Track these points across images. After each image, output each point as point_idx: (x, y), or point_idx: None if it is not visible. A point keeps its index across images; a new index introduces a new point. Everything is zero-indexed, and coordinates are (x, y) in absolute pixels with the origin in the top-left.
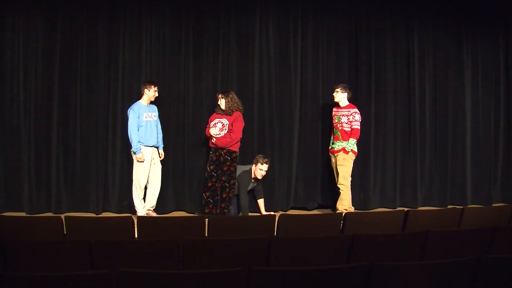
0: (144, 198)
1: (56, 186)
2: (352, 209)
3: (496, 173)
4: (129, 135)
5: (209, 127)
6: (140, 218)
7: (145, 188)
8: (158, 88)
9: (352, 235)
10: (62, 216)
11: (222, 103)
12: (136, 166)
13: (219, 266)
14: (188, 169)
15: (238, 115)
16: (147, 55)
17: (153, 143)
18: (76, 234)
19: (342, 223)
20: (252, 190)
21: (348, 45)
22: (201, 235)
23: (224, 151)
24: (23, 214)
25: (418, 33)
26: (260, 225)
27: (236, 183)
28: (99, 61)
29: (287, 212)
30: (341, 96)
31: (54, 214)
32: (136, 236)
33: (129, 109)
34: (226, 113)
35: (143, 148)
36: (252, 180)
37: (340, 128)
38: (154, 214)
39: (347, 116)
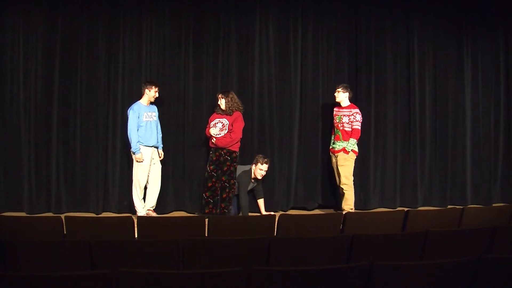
0: (144, 198)
1: (56, 186)
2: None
3: (496, 173)
4: (128, 135)
5: (209, 127)
6: (140, 218)
7: (145, 188)
8: (158, 89)
9: (352, 235)
10: (62, 216)
11: (222, 103)
12: (135, 166)
13: (219, 266)
14: (188, 169)
15: (238, 115)
16: (147, 55)
17: (153, 143)
18: (76, 234)
19: (342, 223)
20: (252, 190)
21: (348, 45)
22: (201, 235)
23: (224, 151)
24: (23, 214)
25: (418, 33)
26: (260, 225)
27: (236, 183)
28: (99, 61)
29: (287, 212)
30: (342, 96)
31: (54, 214)
32: (136, 236)
33: (129, 109)
34: (226, 113)
35: (143, 148)
36: (252, 180)
37: (341, 128)
38: (154, 214)
39: (348, 116)
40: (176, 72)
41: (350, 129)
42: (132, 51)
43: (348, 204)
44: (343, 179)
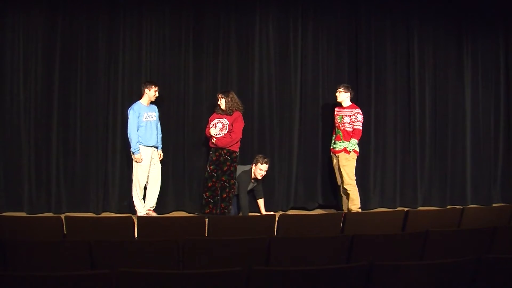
0: (144, 198)
1: (56, 186)
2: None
3: (496, 173)
4: (128, 135)
5: (209, 127)
6: (140, 218)
7: (145, 188)
8: (158, 88)
9: (352, 235)
10: (62, 216)
11: (222, 103)
12: (135, 166)
13: (219, 266)
14: (188, 169)
15: (238, 115)
16: (147, 55)
17: (153, 143)
18: (76, 234)
19: (342, 223)
20: (252, 190)
21: (348, 45)
22: (201, 235)
23: (224, 151)
24: (23, 214)
25: (418, 33)
26: (260, 225)
27: (236, 183)
28: (99, 61)
29: (287, 212)
30: (344, 96)
31: (54, 214)
32: (136, 236)
33: (129, 109)
34: (226, 113)
35: (143, 148)
36: (252, 180)
37: (342, 128)
38: (154, 214)
39: (350, 116)
40: (176, 72)
41: (351, 129)
42: (132, 51)
43: (355, 204)
44: (346, 179)
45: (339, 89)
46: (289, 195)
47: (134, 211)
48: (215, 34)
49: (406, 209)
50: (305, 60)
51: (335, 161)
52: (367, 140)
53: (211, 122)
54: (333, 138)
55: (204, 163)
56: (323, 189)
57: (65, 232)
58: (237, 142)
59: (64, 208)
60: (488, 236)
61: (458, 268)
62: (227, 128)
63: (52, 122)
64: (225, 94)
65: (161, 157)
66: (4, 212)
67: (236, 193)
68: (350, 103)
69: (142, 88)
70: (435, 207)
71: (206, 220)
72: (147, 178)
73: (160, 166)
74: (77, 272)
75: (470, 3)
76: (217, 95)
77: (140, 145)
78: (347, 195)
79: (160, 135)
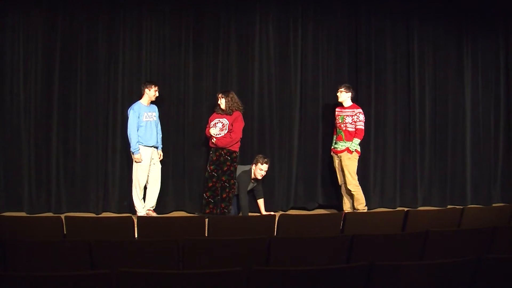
0: (144, 198)
1: (56, 186)
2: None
3: (496, 173)
4: (128, 135)
5: (209, 127)
6: (140, 218)
7: (145, 188)
8: (158, 88)
9: (352, 235)
10: (62, 216)
11: (222, 103)
12: (135, 166)
13: (219, 266)
14: (188, 169)
15: (238, 115)
16: (147, 55)
17: (153, 143)
18: (76, 234)
19: (342, 223)
20: (252, 190)
21: (348, 45)
22: (201, 235)
23: (224, 151)
24: (23, 214)
25: (418, 33)
26: (260, 225)
27: (236, 183)
28: (99, 61)
29: (287, 212)
30: (345, 96)
31: (54, 214)
32: (136, 236)
33: (129, 109)
34: (226, 113)
35: (142, 148)
36: (252, 180)
37: (344, 128)
38: (154, 214)
39: (351, 116)
40: (176, 72)
41: (353, 129)
42: (132, 51)
43: (361, 203)
44: (349, 179)
45: (340, 89)
46: (289, 195)
47: (134, 211)
48: (215, 34)
49: (406, 209)
50: (305, 60)
51: (336, 161)
52: (367, 140)
53: (211, 122)
54: (334, 138)
55: (204, 163)
56: (323, 189)
57: (65, 232)
58: (237, 142)
59: (64, 208)
60: (488, 236)
61: (458, 268)
62: (227, 128)
63: (52, 122)
64: (225, 94)
65: (161, 157)
66: (4, 212)
67: (236, 193)
68: (351, 103)
69: (142, 88)
70: (435, 207)
71: (206, 220)
72: (147, 178)
73: (160, 166)
74: (77, 272)
75: (470, 3)
76: (217, 95)
77: (140, 145)
78: (351, 195)
79: (160, 135)
